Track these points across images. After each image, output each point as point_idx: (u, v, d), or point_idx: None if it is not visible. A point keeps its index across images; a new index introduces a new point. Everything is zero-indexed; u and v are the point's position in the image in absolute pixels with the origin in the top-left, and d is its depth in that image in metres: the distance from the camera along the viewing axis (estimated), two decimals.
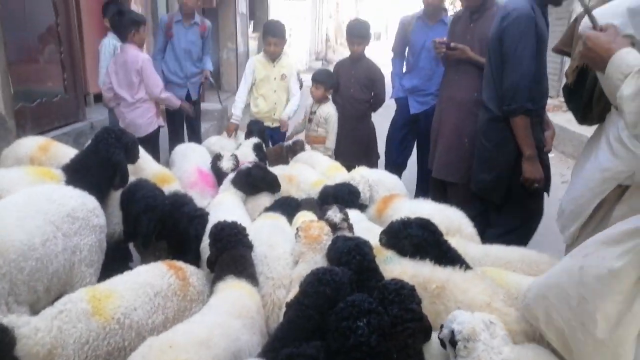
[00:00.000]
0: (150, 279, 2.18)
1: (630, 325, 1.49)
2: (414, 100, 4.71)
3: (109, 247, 2.96)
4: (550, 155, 8.45)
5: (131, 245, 3.37)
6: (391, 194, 3.57)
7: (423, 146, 4.91)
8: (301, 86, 5.55)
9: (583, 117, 2.64)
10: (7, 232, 2.02)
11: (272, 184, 3.61)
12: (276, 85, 5.17)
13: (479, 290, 2.16)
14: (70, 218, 2.33)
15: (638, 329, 1.50)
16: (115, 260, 3.02)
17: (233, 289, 2.18)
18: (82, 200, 2.47)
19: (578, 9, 3.14)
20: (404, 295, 1.89)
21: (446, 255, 2.44)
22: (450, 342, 1.73)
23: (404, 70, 5.03)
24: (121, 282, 2.11)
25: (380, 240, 2.63)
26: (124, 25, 4.51)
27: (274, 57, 5.11)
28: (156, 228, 2.79)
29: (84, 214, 2.42)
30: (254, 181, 3.51)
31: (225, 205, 3.17)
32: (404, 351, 1.77)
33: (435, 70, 4.60)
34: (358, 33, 4.96)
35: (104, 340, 1.87)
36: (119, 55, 4.60)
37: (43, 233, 2.15)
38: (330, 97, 5.06)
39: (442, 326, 1.84)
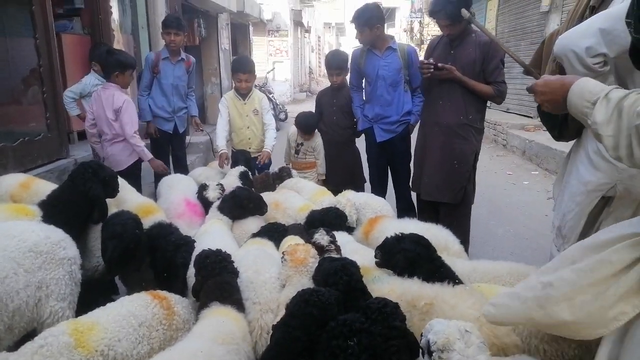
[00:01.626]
0: (134, 309, 2.13)
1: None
2: (379, 128, 4.79)
3: (93, 281, 2.92)
4: (534, 172, 8.66)
5: (117, 279, 3.32)
6: (377, 216, 3.59)
7: (395, 170, 5.01)
8: (286, 117, 5.64)
9: (559, 134, 2.70)
10: None
11: (258, 203, 3.62)
12: (249, 122, 5.25)
13: (468, 305, 2.15)
14: (32, 253, 2.26)
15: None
16: (100, 294, 2.97)
17: (218, 315, 2.14)
18: (46, 234, 2.39)
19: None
20: (387, 314, 1.88)
21: (439, 270, 2.44)
22: (428, 352, 1.70)
23: (364, 101, 5.14)
24: (104, 314, 2.07)
25: (375, 255, 2.63)
26: (110, 65, 4.57)
27: (245, 92, 5.18)
28: (123, 256, 2.74)
29: (48, 247, 2.34)
30: (239, 201, 3.51)
31: (211, 233, 3.15)
32: None
33: (393, 96, 4.72)
34: (336, 65, 5.11)
35: None
36: (99, 91, 4.64)
37: (2, 270, 2.08)
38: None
39: (422, 334, 1.81)
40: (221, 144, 5.14)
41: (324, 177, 5.30)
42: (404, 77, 4.70)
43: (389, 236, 2.65)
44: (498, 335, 2.04)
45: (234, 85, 5.38)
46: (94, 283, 2.96)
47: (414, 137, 4.69)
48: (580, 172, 2.51)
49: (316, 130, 5.27)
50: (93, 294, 2.74)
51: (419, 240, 2.55)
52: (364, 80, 4.94)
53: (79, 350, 1.84)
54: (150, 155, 4.64)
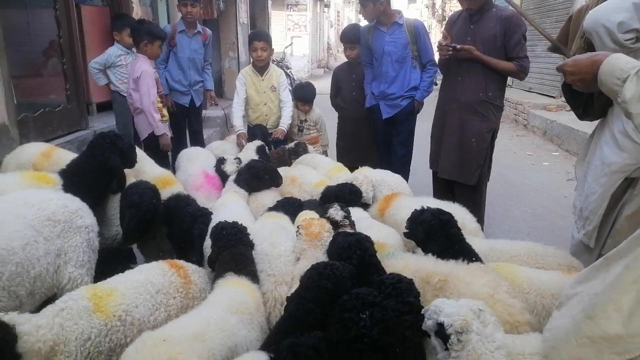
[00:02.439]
0: (152, 277, 2.18)
1: None
2: (385, 105, 4.72)
3: (112, 250, 2.98)
4: (555, 153, 8.49)
5: (135, 248, 3.39)
6: (392, 193, 3.56)
7: (394, 150, 4.94)
8: None
9: (584, 113, 2.63)
10: None
11: (273, 174, 3.64)
12: (266, 98, 5.23)
13: (482, 282, 2.14)
14: (51, 221, 2.31)
15: None
16: (119, 262, 3.04)
17: (232, 285, 2.18)
18: (63, 203, 2.44)
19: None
20: (400, 289, 1.88)
21: (454, 247, 2.42)
22: (439, 335, 1.66)
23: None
24: (122, 281, 2.11)
25: (405, 226, 2.65)
26: (139, 34, 4.59)
27: (261, 65, 5.13)
28: (139, 225, 2.78)
29: (66, 216, 2.39)
30: (255, 173, 3.54)
31: (228, 205, 3.18)
32: (403, 344, 1.76)
33: (399, 72, 4.63)
34: (351, 38, 5.03)
35: (105, 337, 1.87)
36: (131, 63, 4.70)
37: (22, 237, 2.13)
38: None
39: (422, 315, 1.79)
40: (238, 123, 5.14)
41: (327, 148, 5.40)
42: (412, 53, 4.60)
43: (415, 209, 2.65)
44: (512, 313, 2.03)
45: (251, 60, 5.34)
46: (113, 251, 3.03)
47: (425, 118, 4.62)
48: (604, 152, 2.45)
49: (314, 104, 5.33)
50: (112, 262, 2.80)
51: (437, 215, 2.53)
52: (373, 56, 4.86)
53: (97, 315, 1.89)
54: (162, 131, 4.62)
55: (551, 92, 11.48)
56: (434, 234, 2.46)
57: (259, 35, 5.18)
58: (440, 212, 2.55)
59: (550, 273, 2.31)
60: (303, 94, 5.39)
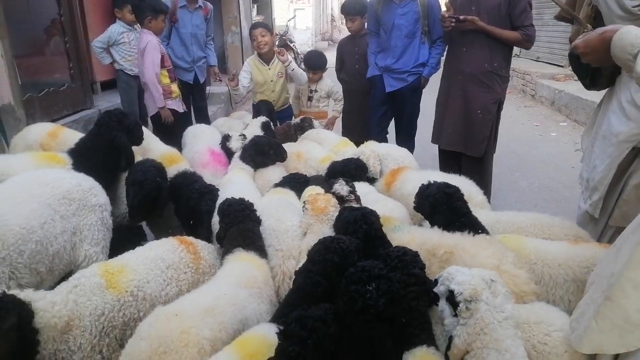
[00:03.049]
0: (162, 253, 2.22)
1: None
2: (389, 77, 4.64)
3: (122, 227, 3.03)
4: (563, 123, 8.41)
5: (145, 225, 3.44)
6: (399, 167, 3.57)
7: (400, 124, 4.90)
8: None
9: (591, 83, 2.60)
10: (4, 217, 2.05)
11: (277, 149, 3.65)
12: (273, 86, 5.18)
13: (488, 253, 2.16)
14: (66, 200, 2.35)
15: None
16: (129, 240, 3.08)
17: (240, 260, 2.22)
18: (77, 182, 2.48)
19: None
20: (406, 261, 1.91)
21: (459, 220, 2.43)
22: (449, 301, 1.70)
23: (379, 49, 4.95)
24: (133, 257, 2.16)
25: (414, 202, 2.67)
26: (142, 10, 4.54)
27: (263, 50, 5.02)
28: (144, 202, 2.81)
29: (80, 194, 2.44)
30: (260, 149, 3.55)
31: (234, 182, 3.20)
32: (409, 314, 1.79)
33: (407, 47, 4.52)
34: (351, 10, 4.94)
35: (119, 312, 1.92)
36: (137, 39, 4.68)
37: (40, 216, 2.18)
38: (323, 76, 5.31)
39: (435, 280, 1.83)
40: (244, 84, 5.14)
41: (339, 116, 5.35)
42: (422, 28, 4.48)
43: (424, 183, 2.66)
44: (517, 283, 2.05)
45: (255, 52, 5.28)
46: (123, 229, 3.08)
47: (432, 90, 4.56)
48: (611, 122, 2.43)
49: (323, 76, 5.27)
50: (122, 239, 2.84)
51: (443, 188, 2.53)
52: (381, 28, 4.78)
53: (110, 291, 1.93)
54: (163, 103, 4.60)
55: (559, 61, 11.28)
56: (439, 208, 2.47)
57: (255, 25, 5.14)
58: (445, 185, 2.55)
59: (557, 243, 2.32)
60: (311, 62, 5.28)
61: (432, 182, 2.62)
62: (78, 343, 1.80)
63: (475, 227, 2.40)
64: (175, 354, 1.62)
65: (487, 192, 3.94)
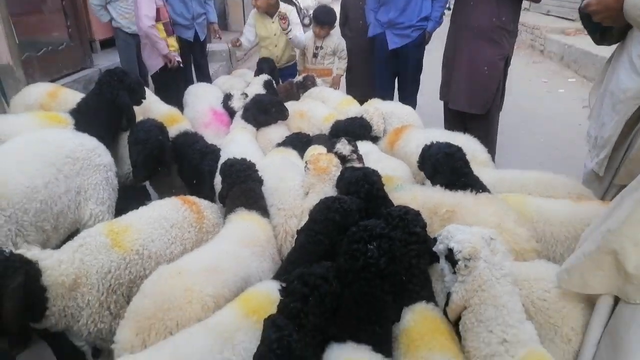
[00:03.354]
0: (165, 212, 2.24)
1: None
2: (392, 34, 4.49)
3: (125, 188, 3.05)
4: (571, 79, 8.23)
5: (148, 185, 3.46)
6: (402, 125, 3.53)
7: (403, 81, 4.80)
8: (310, 22, 5.43)
9: (601, 37, 2.51)
10: (9, 177, 2.07)
11: (279, 107, 3.63)
12: (276, 40, 5.09)
13: (490, 212, 2.17)
14: (70, 159, 2.36)
15: None
16: (133, 200, 3.11)
17: (243, 220, 2.24)
18: (80, 141, 2.48)
19: None
20: (407, 220, 1.92)
21: (460, 180, 2.42)
22: (448, 259, 1.73)
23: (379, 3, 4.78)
24: (137, 217, 2.18)
25: (417, 162, 2.67)
26: None
27: (262, 10, 4.93)
28: (147, 161, 2.81)
29: (84, 154, 2.45)
30: (262, 107, 3.52)
31: (236, 142, 3.19)
32: (410, 271, 1.82)
33: (410, 0, 4.36)
34: None
35: (125, 270, 1.96)
36: None
37: (44, 175, 2.20)
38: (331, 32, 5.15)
39: (435, 239, 1.84)
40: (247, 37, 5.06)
41: (343, 74, 5.24)
42: None
43: (427, 143, 2.64)
44: (518, 241, 2.07)
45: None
46: (126, 189, 3.10)
47: (439, 45, 4.44)
48: (620, 78, 2.36)
49: (331, 33, 5.14)
50: (126, 200, 2.87)
51: (444, 149, 2.51)
52: None
53: (115, 250, 1.97)
54: (166, 50, 4.52)
55: (570, 14, 10.90)
56: (440, 168, 2.46)
57: None
58: (447, 146, 2.53)
59: (560, 202, 2.31)
60: (320, 17, 5.11)
61: (434, 142, 2.60)
62: (86, 300, 1.85)
63: (476, 186, 2.39)
64: (179, 310, 1.67)
65: (492, 149, 3.91)
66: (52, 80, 4.47)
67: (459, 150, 2.51)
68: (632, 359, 1.54)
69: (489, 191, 2.41)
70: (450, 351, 1.56)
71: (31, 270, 1.71)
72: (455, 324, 1.69)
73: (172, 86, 4.59)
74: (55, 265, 1.78)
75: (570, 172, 2.82)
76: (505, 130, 5.01)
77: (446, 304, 1.71)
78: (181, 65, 4.70)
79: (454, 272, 1.69)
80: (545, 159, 4.98)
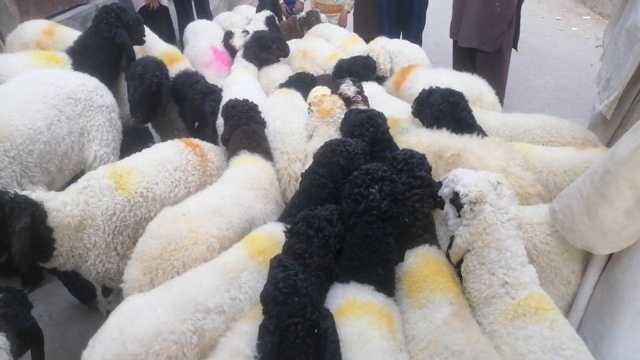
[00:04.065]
0: (169, 155, 2.23)
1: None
2: None
3: (128, 129, 3.01)
4: (586, 17, 7.89)
5: (151, 127, 3.42)
6: (409, 65, 3.42)
7: (407, 18, 4.58)
8: None
9: None
10: (10, 118, 2.04)
11: (280, 43, 3.52)
12: None
13: (495, 156, 2.14)
14: (71, 100, 2.31)
15: None
16: (136, 142, 3.09)
17: (246, 163, 2.23)
18: (82, 81, 2.42)
19: None
20: (412, 164, 1.90)
21: (463, 130, 2.34)
22: (454, 202, 1.72)
23: None
24: (140, 159, 2.17)
25: (412, 106, 2.59)
26: None
27: None
28: (144, 97, 2.74)
29: (86, 94, 2.39)
30: (263, 44, 3.41)
31: (238, 82, 3.10)
32: (413, 215, 1.82)
33: None
34: None
35: (130, 212, 1.98)
36: None
37: (46, 117, 2.16)
38: None
39: (440, 182, 1.83)
40: None
41: (350, 10, 4.97)
42: None
43: (425, 88, 2.55)
44: (523, 185, 2.06)
45: None
46: (129, 131, 3.07)
47: None
48: (639, 15, 2.25)
49: None
50: (129, 141, 2.84)
51: (447, 96, 2.43)
52: None
53: (119, 192, 1.97)
54: None
55: None
56: (443, 118, 2.39)
57: None
58: (449, 93, 2.44)
59: (564, 150, 2.28)
60: None
61: (434, 88, 2.51)
62: (92, 241, 1.88)
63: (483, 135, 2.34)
64: (185, 251, 1.70)
65: (501, 90, 3.81)
66: (48, 17, 4.30)
67: (462, 98, 2.44)
68: (627, 300, 1.58)
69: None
70: (451, 292, 1.60)
71: (37, 211, 1.72)
72: (457, 266, 1.72)
73: (156, 27, 4.42)
74: (60, 206, 1.79)
75: (579, 115, 2.77)
76: (514, 70, 4.87)
77: (449, 246, 1.73)
78: (162, 5, 4.49)
79: (459, 216, 1.69)
80: (554, 100, 4.88)
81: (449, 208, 1.76)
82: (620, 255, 1.63)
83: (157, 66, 2.80)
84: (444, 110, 2.40)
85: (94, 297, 2.39)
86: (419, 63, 3.53)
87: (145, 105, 2.80)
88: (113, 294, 2.12)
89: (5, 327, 1.55)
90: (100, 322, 1.47)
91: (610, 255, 1.70)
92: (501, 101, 3.46)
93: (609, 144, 2.57)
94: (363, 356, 1.35)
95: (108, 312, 1.51)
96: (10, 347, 1.52)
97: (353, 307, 1.49)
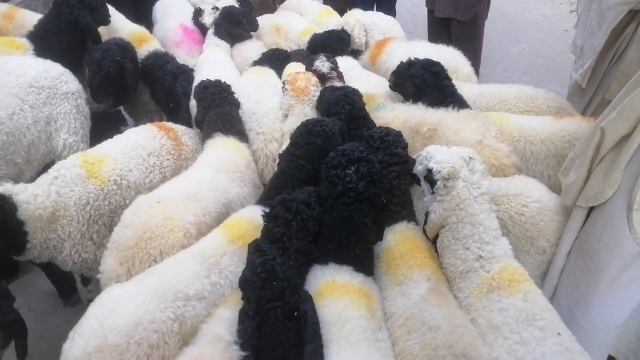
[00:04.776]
0: (141, 140, 2.18)
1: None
2: None
3: (99, 114, 2.94)
4: None
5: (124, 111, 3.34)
6: (384, 38, 3.37)
7: None
8: None
9: None
10: None
11: (250, 18, 3.44)
12: None
13: (471, 129, 2.15)
14: (34, 89, 2.23)
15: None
16: (109, 127, 3.01)
17: (220, 145, 2.19)
18: (44, 68, 2.32)
19: None
20: (389, 142, 1.90)
21: (446, 99, 2.35)
22: (427, 179, 1.73)
23: None
24: (112, 146, 2.12)
25: (389, 80, 2.56)
26: None
27: None
28: (103, 82, 2.64)
29: (49, 82, 2.30)
30: (234, 19, 3.32)
31: (210, 62, 3.03)
32: (390, 192, 1.83)
33: None
34: None
35: (104, 201, 1.94)
36: None
37: (7, 106, 2.08)
38: None
39: (414, 161, 1.84)
40: None
41: None
42: None
43: (402, 61, 2.52)
44: (498, 157, 2.07)
45: None
46: (100, 115, 2.99)
47: None
48: None
49: None
50: (101, 127, 2.77)
51: (429, 67, 2.40)
52: None
53: (92, 181, 1.93)
54: None
55: None
56: (426, 88, 2.37)
57: None
58: (430, 63, 2.42)
59: (541, 119, 2.30)
60: None
61: (413, 59, 2.48)
62: (67, 231, 1.84)
63: (462, 105, 2.34)
64: (161, 239, 1.68)
65: (477, 61, 3.81)
66: (6, 0, 4.11)
67: (442, 67, 2.42)
68: (602, 267, 1.63)
69: (470, 108, 2.37)
70: (428, 268, 1.62)
71: (5, 204, 1.68)
72: (434, 242, 1.74)
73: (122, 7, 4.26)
74: (31, 199, 1.75)
75: (555, 81, 2.78)
76: (489, 39, 4.86)
77: (425, 222, 1.75)
78: None
79: (433, 192, 1.70)
80: (530, 68, 4.90)
81: (424, 185, 1.77)
82: (595, 222, 1.67)
83: (119, 50, 2.69)
84: (427, 81, 2.38)
85: (74, 292, 2.37)
86: (394, 35, 3.48)
87: (109, 90, 2.71)
88: (92, 282, 2.11)
89: None
90: (81, 311, 1.45)
91: (584, 224, 1.74)
92: (477, 71, 3.45)
93: (583, 112, 2.60)
94: (343, 336, 1.37)
95: (89, 301, 1.49)
96: None
97: (332, 288, 1.51)
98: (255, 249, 1.49)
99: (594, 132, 1.61)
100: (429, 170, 1.69)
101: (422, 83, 2.38)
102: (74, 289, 2.32)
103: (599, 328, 1.72)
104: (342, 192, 1.65)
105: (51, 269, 2.36)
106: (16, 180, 2.06)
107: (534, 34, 5.68)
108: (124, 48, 2.76)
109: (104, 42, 2.75)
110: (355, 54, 3.40)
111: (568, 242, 1.79)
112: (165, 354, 1.38)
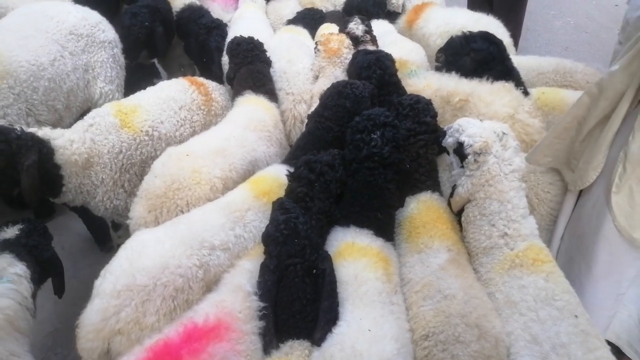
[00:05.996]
0: (173, 93, 2.21)
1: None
2: None
3: (133, 66, 2.96)
4: None
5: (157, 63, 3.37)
6: (423, 3, 3.27)
7: None
8: None
9: None
10: (13, 53, 2.00)
11: None
12: None
13: (504, 102, 2.10)
14: (74, 36, 2.26)
15: None
16: (142, 79, 3.05)
17: (250, 103, 2.20)
18: (83, 15, 2.35)
19: None
20: (418, 110, 1.87)
21: (510, 73, 2.25)
22: (457, 152, 1.71)
23: None
24: (145, 98, 2.16)
25: (437, 59, 2.45)
26: None
27: None
28: (133, 47, 2.68)
29: (88, 30, 2.33)
30: None
31: (245, 18, 3.01)
32: (417, 161, 1.82)
33: None
34: None
35: (136, 150, 2.00)
36: None
37: (49, 53, 2.12)
38: None
39: (444, 132, 1.82)
40: None
41: None
42: None
43: (454, 36, 2.39)
44: (529, 132, 2.03)
45: None
46: (135, 67, 3.02)
47: None
48: None
49: None
50: (135, 78, 2.81)
51: (491, 39, 2.28)
52: None
53: (125, 130, 1.98)
54: None
55: None
56: (490, 63, 2.23)
57: None
58: (490, 36, 2.27)
59: None
60: None
61: (466, 33, 2.34)
62: (100, 178, 1.91)
63: (520, 81, 2.24)
64: (188, 191, 1.73)
65: (517, 33, 3.66)
66: None
67: (500, 40, 2.30)
68: (594, 251, 1.62)
69: (524, 86, 2.27)
70: (449, 239, 1.63)
71: (44, 148, 1.74)
72: (458, 214, 1.74)
73: None
74: (67, 144, 1.81)
75: (597, 59, 2.67)
76: (533, 11, 4.65)
77: (451, 195, 1.74)
78: None
79: (462, 166, 1.68)
80: (572, 44, 4.68)
81: (453, 158, 1.75)
82: (583, 204, 1.68)
83: (149, 13, 2.69)
84: (494, 54, 2.25)
85: (109, 239, 2.47)
86: (433, 1, 3.38)
87: (139, 51, 2.74)
88: (122, 228, 2.18)
89: (26, 257, 1.63)
90: (112, 255, 1.53)
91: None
92: (516, 43, 3.34)
93: None
94: (358, 296, 1.40)
95: (118, 246, 1.56)
96: (30, 276, 1.60)
97: (351, 250, 1.54)
98: (279, 206, 1.53)
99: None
100: (460, 144, 1.67)
101: (488, 56, 2.25)
102: (108, 236, 2.42)
103: (592, 312, 1.71)
104: (366, 156, 1.66)
105: (86, 214, 2.46)
106: (55, 126, 2.13)
107: (581, 6, 5.40)
108: (154, 10, 2.75)
109: (135, 5, 2.75)
110: (392, 17, 3.32)
111: (562, 225, 1.80)
112: (189, 297, 1.45)
